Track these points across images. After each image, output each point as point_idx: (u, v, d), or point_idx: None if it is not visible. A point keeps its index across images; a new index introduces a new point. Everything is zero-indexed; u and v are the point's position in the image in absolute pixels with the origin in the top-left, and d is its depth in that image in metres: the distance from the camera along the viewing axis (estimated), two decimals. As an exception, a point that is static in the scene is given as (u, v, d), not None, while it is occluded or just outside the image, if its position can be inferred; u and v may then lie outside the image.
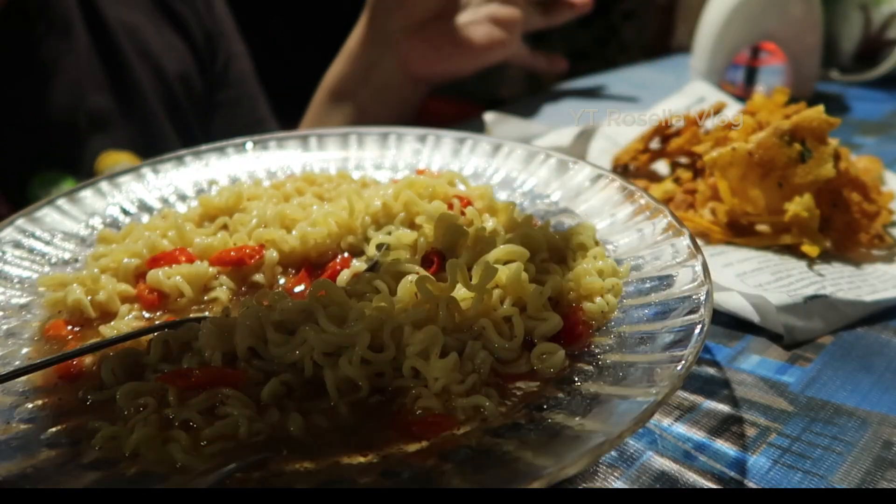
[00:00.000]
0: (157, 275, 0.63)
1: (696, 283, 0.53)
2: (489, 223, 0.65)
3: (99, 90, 1.13)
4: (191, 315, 0.60)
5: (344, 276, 0.63)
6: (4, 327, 0.59)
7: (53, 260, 0.69)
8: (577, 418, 0.44)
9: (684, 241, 0.59)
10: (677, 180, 0.91)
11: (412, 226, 0.68)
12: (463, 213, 0.67)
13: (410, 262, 0.60)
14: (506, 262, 0.58)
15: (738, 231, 0.81)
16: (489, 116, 1.18)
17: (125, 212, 0.78)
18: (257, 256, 0.65)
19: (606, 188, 0.72)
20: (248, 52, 1.43)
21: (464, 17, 1.27)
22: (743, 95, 1.35)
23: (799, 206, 0.75)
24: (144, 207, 0.79)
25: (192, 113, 1.26)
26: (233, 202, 0.73)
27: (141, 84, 1.17)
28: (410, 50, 1.23)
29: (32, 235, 0.70)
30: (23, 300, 0.63)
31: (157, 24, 1.25)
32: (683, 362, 0.45)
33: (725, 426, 0.55)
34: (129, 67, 1.16)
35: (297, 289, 0.64)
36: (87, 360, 0.55)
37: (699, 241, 0.67)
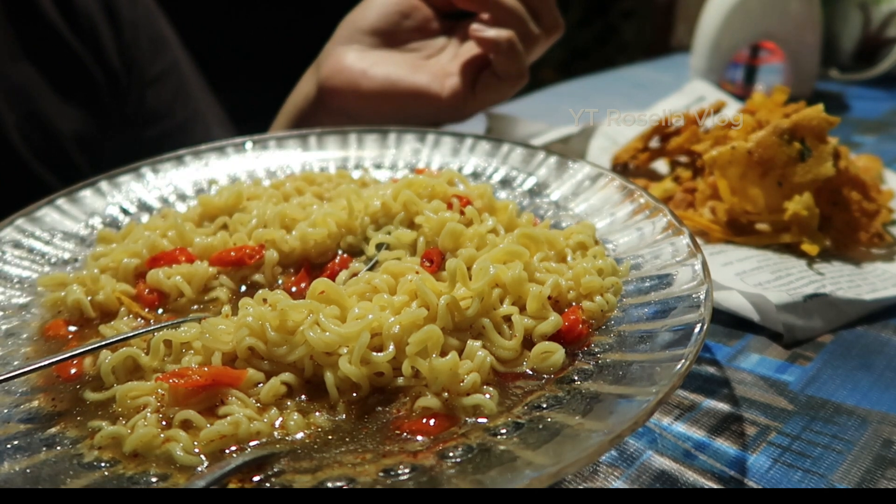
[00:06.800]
0: (157, 274, 0.63)
1: (695, 282, 0.53)
2: (489, 222, 0.65)
3: None
4: (191, 315, 0.60)
5: (343, 276, 0.63)
6: (4, 327, 0.59)
7: (53, 260, 0.69)
8: (576, 417, 0.44)
9: (684, 240, 0.59)
10: (677, 179, 0.91)
11: (412, 225, 0.68)
12: (462, 213, 0.66)
13: (410, 262, 0.60)
14: (505, 262, 0.58)
15: (738, 230, 0.81)
16: (489, 116, 1.18)
17: (125, 211, 0.78)
18: (257, 256, 0.65)
19: (606, 187, 0.72)
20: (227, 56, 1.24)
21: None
22: (742, 94, 1.35)
23: (799, 204, 0.75)
24: (144, 207, 0.79)
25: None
26: (233, 202, 0.73)
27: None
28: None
29: (32, 235, 0.70)
30: (23, 300, 0.63)
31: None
32: (683, 361, 0.45)
33: (725, 425, 0.55)
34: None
35: (297, 289, 0.64)
36: (87, 360, 0.55)
37: (699, 240, 0.67)
